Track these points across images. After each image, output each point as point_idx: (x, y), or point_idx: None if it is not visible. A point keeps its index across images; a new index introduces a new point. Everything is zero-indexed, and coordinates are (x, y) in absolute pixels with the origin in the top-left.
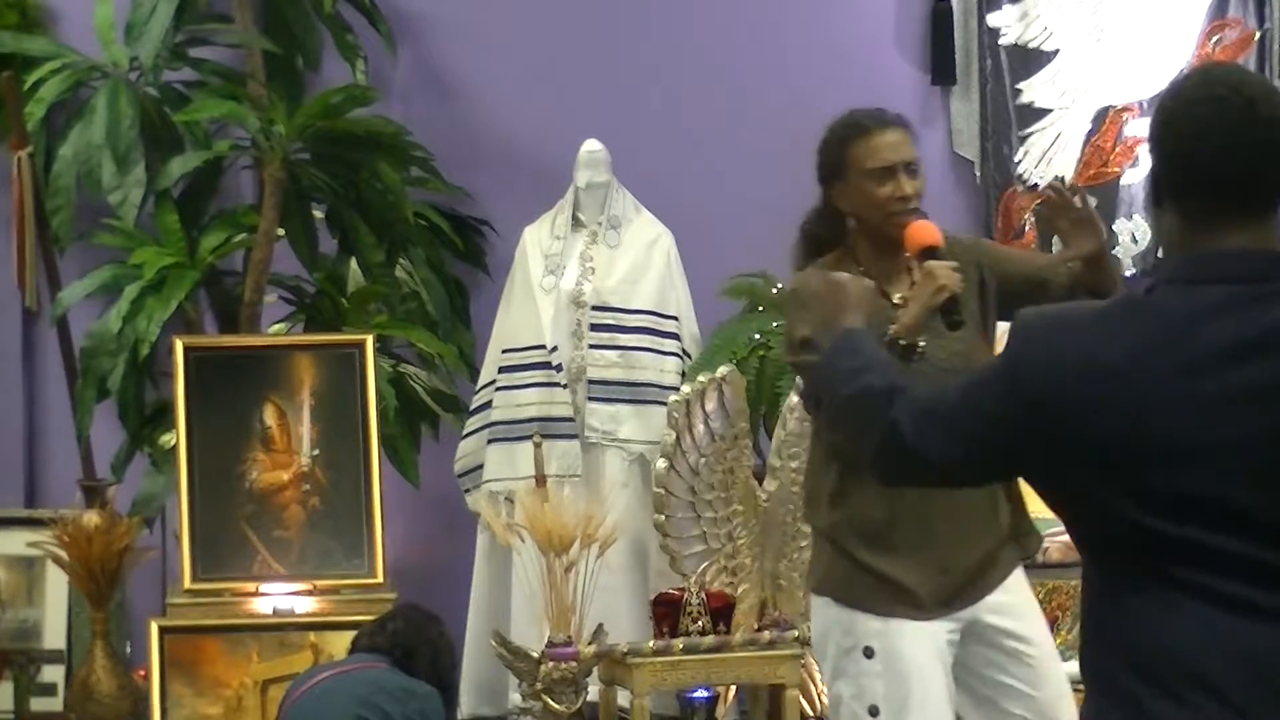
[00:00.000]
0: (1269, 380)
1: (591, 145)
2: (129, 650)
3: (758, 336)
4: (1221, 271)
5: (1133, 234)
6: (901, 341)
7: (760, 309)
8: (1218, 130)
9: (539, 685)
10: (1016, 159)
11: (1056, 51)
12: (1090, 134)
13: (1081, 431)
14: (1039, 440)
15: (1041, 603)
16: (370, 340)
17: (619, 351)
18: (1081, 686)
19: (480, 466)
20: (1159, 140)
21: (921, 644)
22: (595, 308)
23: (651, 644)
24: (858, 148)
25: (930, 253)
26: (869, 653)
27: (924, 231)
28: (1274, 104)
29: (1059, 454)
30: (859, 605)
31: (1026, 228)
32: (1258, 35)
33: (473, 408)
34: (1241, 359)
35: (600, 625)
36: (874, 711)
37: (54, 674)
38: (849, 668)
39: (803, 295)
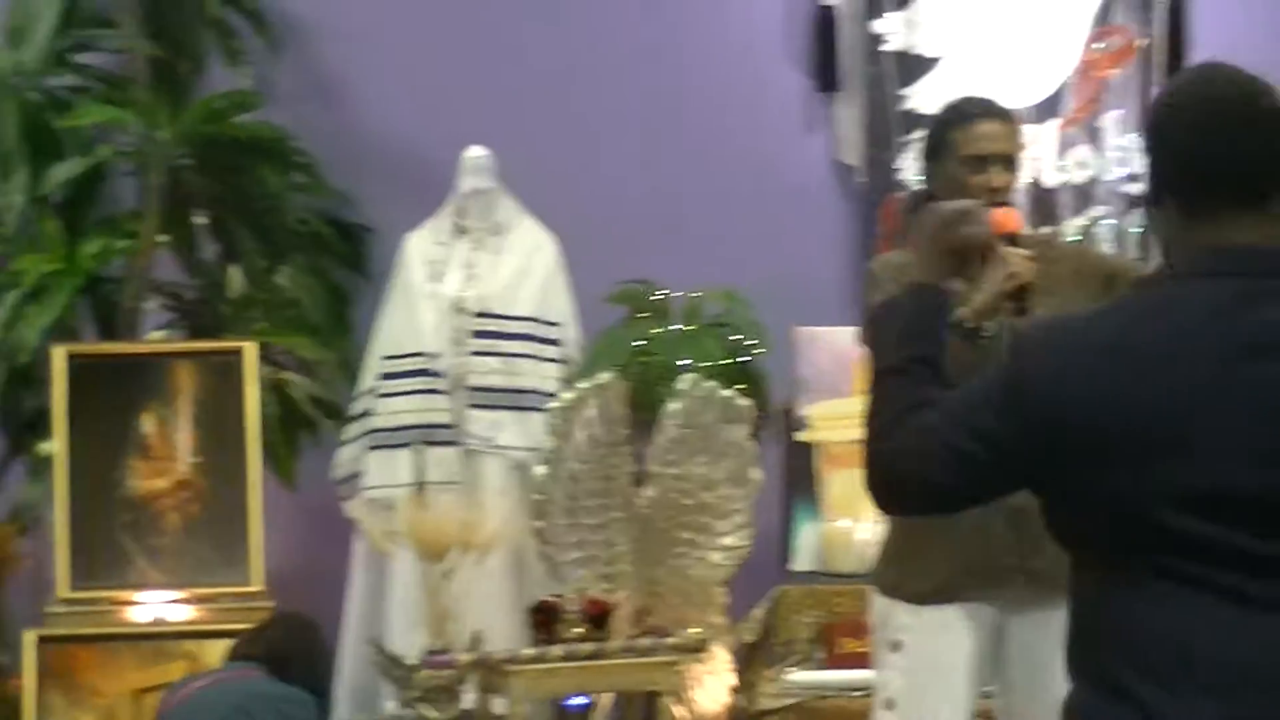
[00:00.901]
0: (1275, 378)
1: (475, 151)
2: (5, 659)
3: (639, 343)
4: (1237, 266)
5: None
6: (968, 325)
7: (642, 315)
8: (1222, 124)
9: (415, 693)
10: (899, 165)
11: (940, 58)
12: None
13: (1093, 422)
14: (1043, 439)
15: None
16: (251, 347)
17: (500, 358)
18: None
19: (360, 473)
20: (1161, 136)
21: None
22: (477, 314)
23: (529, 651)
24: (958, 132)
25: (1010, 239)
26: (896, 646)
27: (1006, 217)
28: (1274, 97)
29: (1066, 450)
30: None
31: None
32: (1142, 43)
33: (353, 414)
34: (1261, 353)
35: (478, 632)
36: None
37: None
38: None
39: (872, 275)
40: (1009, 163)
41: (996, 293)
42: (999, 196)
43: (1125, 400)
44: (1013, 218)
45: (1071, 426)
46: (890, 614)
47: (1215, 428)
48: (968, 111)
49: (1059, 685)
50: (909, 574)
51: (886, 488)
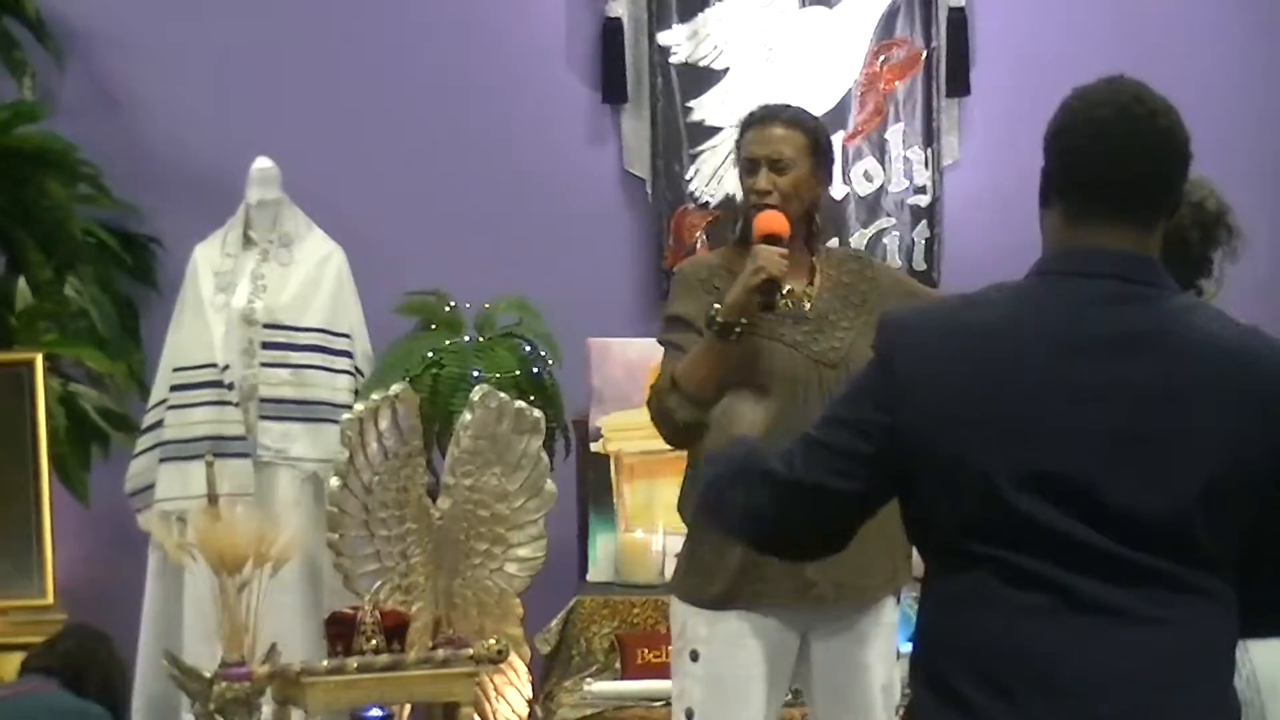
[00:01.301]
0: (1139, 378)
1: (262, 163)
2: None
3: (431, 354)
4: (1103, 267)
5: None
6: (719, 320)
7: (434, 326)
8: (1116, 133)
9: (212, 705)
10: (688, 177)
11: (727, 70)
12: None
13: (954, 404)
14: (913, 415)
15: None
16: (39, 359)
17: (291, 370)
18: None
19: (152, 485)
20: (1056, 138)
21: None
22: (267, 325)
23: (325, 663)
24: (742, 137)
25: (769, 239)
26: (695, 656)
27: (768, 220)
28: (1172, 119)
29: (932, 427)
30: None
31: (699, 245)
32: (925, 55)
33: (144, 426)
34: (1115, 353)
35: (274, 645)
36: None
37: None
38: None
39: (682, 276)
40: (776, 166)
41: (746, 288)
42: (766, 199)
43: (990, 382)
44: (773, 220)
45: (938, 401)
46: (688, 623)
47: (1074, 420)
48: (749, 118)
49: (866, 694)
50: (704, 579)
51: (787, 542)
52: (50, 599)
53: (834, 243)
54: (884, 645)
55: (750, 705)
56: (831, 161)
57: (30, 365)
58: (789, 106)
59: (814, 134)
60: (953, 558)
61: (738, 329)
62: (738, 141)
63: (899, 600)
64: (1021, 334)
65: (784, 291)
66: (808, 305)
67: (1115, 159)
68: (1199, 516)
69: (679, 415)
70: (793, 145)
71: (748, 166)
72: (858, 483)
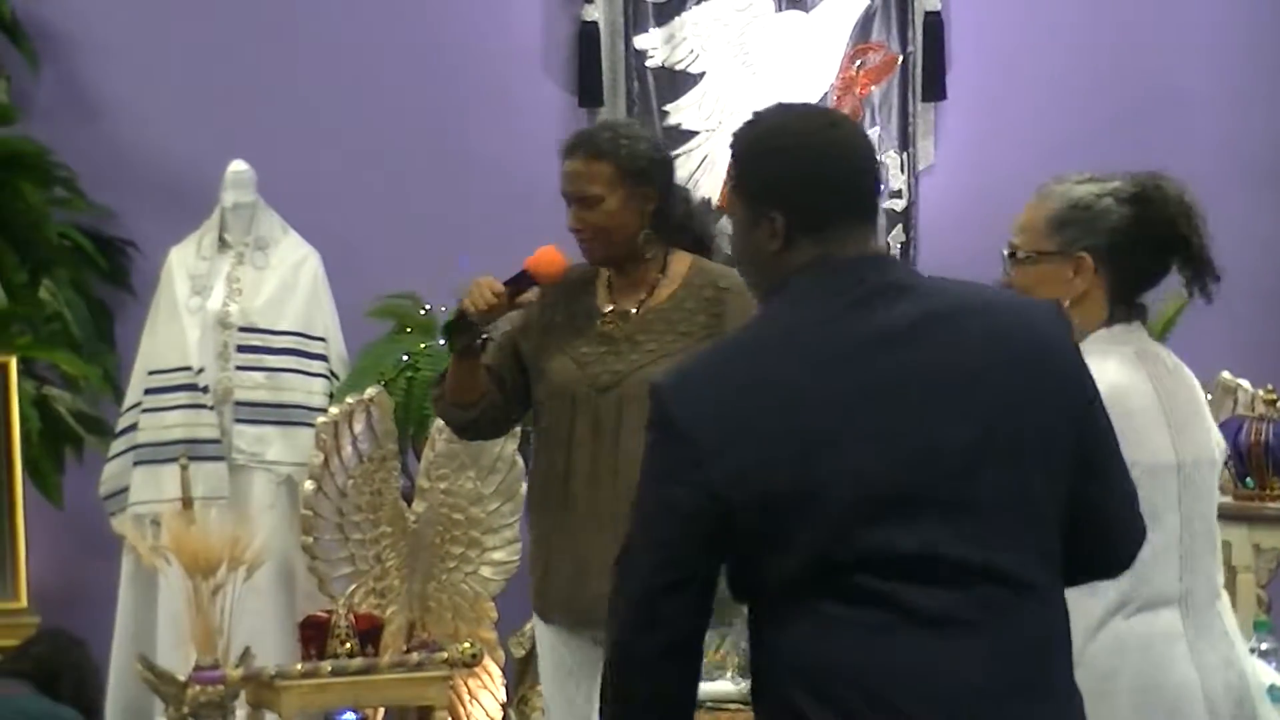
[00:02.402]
0: (902, 370)
1: (237, 166)
2: None
3: (406, 358)
4: (842, 274)
5: None
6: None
7: (408, 330)
8: (815, 144)
9: (185, 709)
10: None
11: (703, 74)
12: None
13: (757, 447)
14: (723, 482)
15: None
16: (13, 362)
17: (265, 373)
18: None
19: (126, 489)
20: (763, 162)
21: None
22: (241, 329)
23: (299, 666)
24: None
25: (520, 276)
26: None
27: (537, 257)
28: (850, 125)
29: (745, 483)
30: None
31: None
32: (900, 58)
33: (118, 430)
34: (874, 353)
35: (248, 648)
36: None
37: None
38: None
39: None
40: (584, 203)
41: (451, 316)
42: (580, 237)
43: (783, 411)
44: (541, 258)
45: (740, 450)
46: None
47: (863, 425)
48: (562, 147)
49: None
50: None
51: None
52: (23, 602)
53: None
54: None
55: (572, 710)
56: (662, 174)
57: (4, 368)
58: (598, 133)
59: (623, 160)
60: (788, 591)
61: (461, 350)
62: None
63: None
64: (799, 354)
65: (481, 336)
66: (618, 325)
67: (853, 178)
68: (1030, 489)
69: (448, 418)
70: (600, 179)
71: (565, 199)
72: (699, 566)
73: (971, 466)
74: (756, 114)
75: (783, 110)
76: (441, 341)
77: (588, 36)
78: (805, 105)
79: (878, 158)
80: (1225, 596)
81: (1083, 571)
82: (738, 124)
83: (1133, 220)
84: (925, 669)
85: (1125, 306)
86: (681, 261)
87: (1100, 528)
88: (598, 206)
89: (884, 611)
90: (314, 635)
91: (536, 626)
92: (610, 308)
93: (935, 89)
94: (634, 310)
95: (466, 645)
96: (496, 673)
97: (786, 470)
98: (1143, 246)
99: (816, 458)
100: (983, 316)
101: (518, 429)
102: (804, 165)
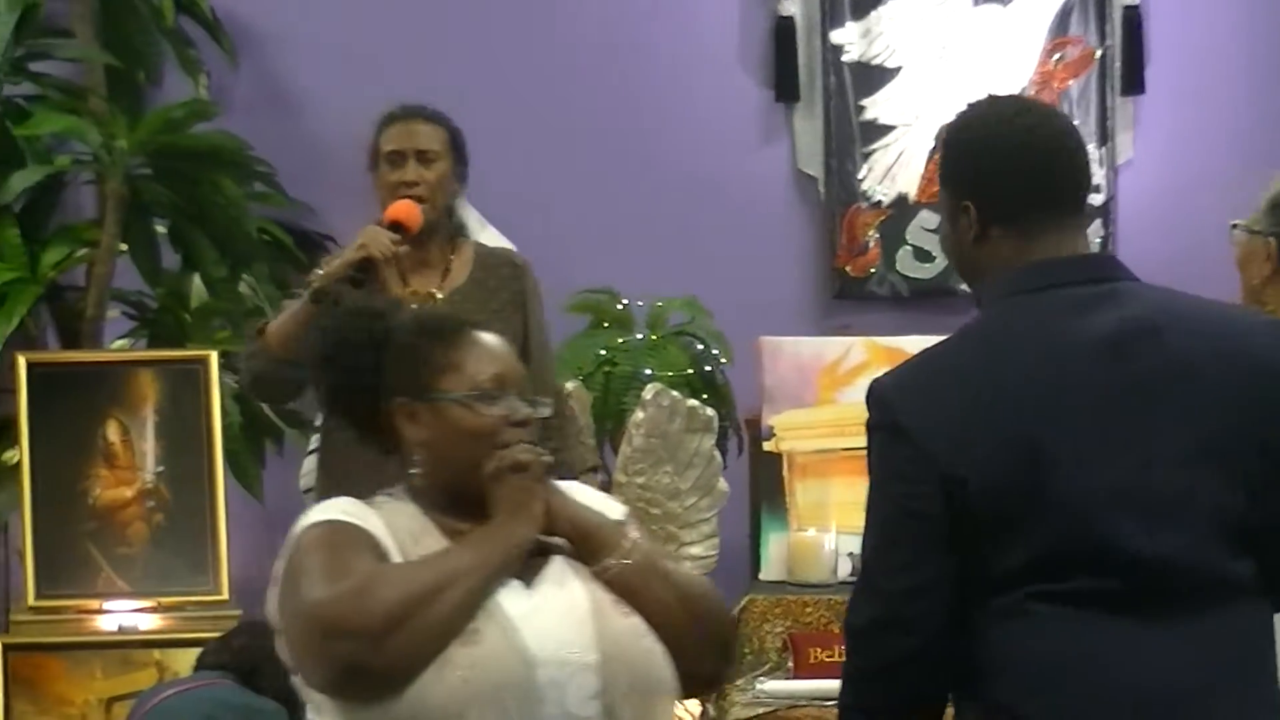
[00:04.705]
0: (1141, 373)
1: None
2: None
3: (603, 352)
4: (1063, 276)
5: None
6: (315, 286)
7: (605, 324)
8: (1008, 134)
9: None
10: (860, 176)
11: (900, 68)
12: (933, 150)
13: (986, 446)
14: (958, 479)
15: None
16: (214, 356)
17: None
18: None
19: None
20: (952, 149)
21: None
22: None
23: None
24: (382, 134)
25: (393, 227)
26: None
27: (399, 208)
28: (1054, 119)
29: (979, 481)
30: None
31: (870, 245)
32: (1099, 53)
33: (317, 423)
34: (1111, 356)
35: None
36: None
37: None
38: None
39: None
40: (423, 157)
41: (344, 261)
42: (413, 190)
43: (1009, 431)
44: (405, 209)
45: (975, 473)
46: None
47: (1085, 430)
48: (389, 116)
49: None
50: None
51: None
52: (225, 594)
53: (503, 242)
54: None
55: None
56: (467, 166)
57: (205, 363)
58: (427, 106)
59: (455, 133)
60: (1001, 591)
61: (334, 299)
62: (375, 140)
63: None
64: (1020, 357)
65: (380, 277)
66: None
67: (1047, 169)
68: (1241, 500)
69: (254, 364)
70: (439, 140)
71: (392, 160)
72: (944, 567)
73: (1189, 476)
74: (968, 105)
75: (989, 101)
76: (311, 298)
77: (784, 31)
78: (1013, 97)
79: (1087, 154)
80: None
81: None
82: (934, 119)
83: None
84: (1138, 667)
85: None
86: (465, 243)
87: None
88: (433, 165)
89: (1097, 611)
90: None
91: None
92: (410, 290)
93: (1134, 83)
94: (437, 292)
95: None
96: None
97: (1014, 473)
98: None
99: (1042, 460)
100: (1207, 328)
101: (715, 422)
102: (994, 155)
